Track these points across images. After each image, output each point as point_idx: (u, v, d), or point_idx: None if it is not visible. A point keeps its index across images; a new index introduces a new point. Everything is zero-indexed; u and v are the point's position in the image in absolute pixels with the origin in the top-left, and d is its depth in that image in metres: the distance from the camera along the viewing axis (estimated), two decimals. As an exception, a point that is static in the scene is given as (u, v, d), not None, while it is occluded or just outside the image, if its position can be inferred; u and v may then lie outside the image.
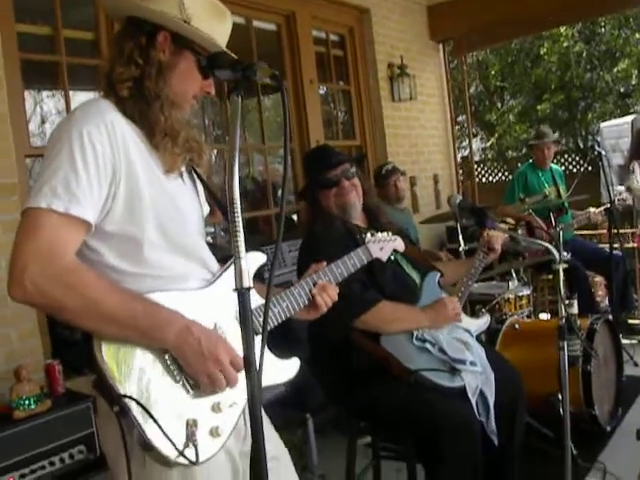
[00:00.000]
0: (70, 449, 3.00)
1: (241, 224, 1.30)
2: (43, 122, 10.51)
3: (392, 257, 2.99)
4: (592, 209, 5.58)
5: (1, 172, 3.45)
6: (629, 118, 10.58)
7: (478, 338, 3.12)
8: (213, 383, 1.63)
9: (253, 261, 1.86)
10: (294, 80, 5.85)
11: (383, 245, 2.38)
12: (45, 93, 10.10)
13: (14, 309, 3.40)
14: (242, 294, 1.27)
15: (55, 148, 1.59)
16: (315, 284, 2.02)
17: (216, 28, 1.78)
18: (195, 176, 1.95)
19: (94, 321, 1.56)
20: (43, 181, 1.55)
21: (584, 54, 14.94)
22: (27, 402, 2.96)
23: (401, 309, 2.86)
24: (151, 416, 1.56)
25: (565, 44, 14.77)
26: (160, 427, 1.56)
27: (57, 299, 1.53)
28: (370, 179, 5.24)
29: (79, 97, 4.95)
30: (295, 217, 6.47)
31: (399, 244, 2.47)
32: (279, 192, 6.39)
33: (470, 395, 2.68)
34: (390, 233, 2.46)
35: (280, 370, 1.90)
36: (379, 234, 2.40)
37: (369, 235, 2.39)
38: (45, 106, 10.66)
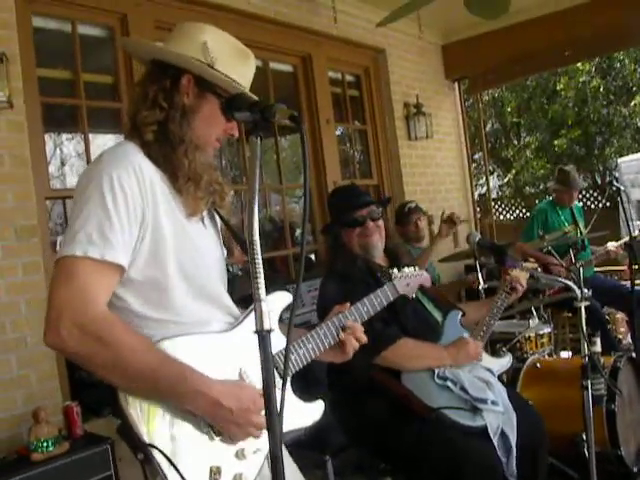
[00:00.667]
0: (88, 492, 2.98)
1: (261, 266, 1.29)
2: (63, 164, 10.64)
3: (413, 295, 2.98)
4: (611, 243, 5.52)
5: (22, 214, 3.48)
6: (648, 153, 10.56)
7: (499, 378, 3.08)
8: (252, 437, 1.67)
9: (278, 301, 1.85)
10: (310, 120, 5.89)
11: (410, 281, 2.36)
12: (65, 136, 10.24)
13: (33, 351, 3.40)
14: (263, 337, 1.26)
15: (85, 193, 1.60)
16: (342, 325, 2.00)
17: (240, 70, 1.80)
18: (217, 217, 1.96)
19: (120, 378, 1.56)
20: (77, 228, 1.56)
21: (601, 89, 14.96)
22: (45, 444, 2.95)
23: (422, 346, 2.85)
24: (175, 467, 1.55)
25: (582, 79, 14.80)
26: (183, 478, 1.55)
27: (89, 350, 1.53)
28: (391, 220, 5.22)
29: (98, 140, 5.02)
30: (313, 257, 6.46)
31: (426, 279, 2.45)
32: (297, 232, 6.39)
33: (492, 435, 2.64)
34: (417, 268, 2.44)
35: (304, 413, 1.90)
36: (406, 269, 2.38)
37: (396, 271, 2.37)
38: (65, 149, 10.80)
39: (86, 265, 1.54)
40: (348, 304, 2.10)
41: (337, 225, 3.15)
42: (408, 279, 2.35)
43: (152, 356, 1.59)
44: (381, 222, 3.10)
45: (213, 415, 1.61)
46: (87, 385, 3.72)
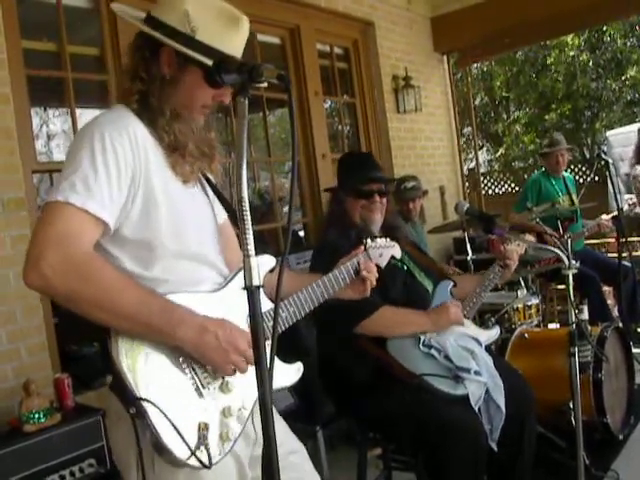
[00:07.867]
0: (80, 463, 3.00)
1: (250, 222, 1.30)
2: (49, 139, 10.61)
3: (405, 267, 3.00)
4: (603, 216, 5.54)
5: (9, 187, 3.46)
6: (636, 126, 10.54)
7: (488, 348, 3.09)
8: (238, 369, 1.67)
9: (263, 264, 1.84)
10: (299, 93, 5.84)
11: (382, 251, 2.36)
12: (52, 112, 10.21)
13: (22, 324, 3.41)
14: (252, 292, 1.26)
15: (77, 149, 1.62)
16: (324, 292, 2.02)
17: (225, 37, 1.75)
18: (207, 184, 1.97)
19: (109, 314, 1.56)
20: (63, 178, 1.58)
21: (590, 63, 14.94)
22: (37, 416, 2.96)
23: (403, 313, 2.86)
24: (168, 418, 1.56)
25: (571, 53, 14.77)
26: (176, 428, 1.57)
27: (73, 287, 1.53)
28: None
29: (86, 116, 4.97)
30: (302, 232, 6.46)
31: (397, 251, 2.44)
32: (286, 208, 6.36)
33: (473, 403, 2.66)
34: (389, 239, 2.43)
35: (284, 374, 1.90)
36: (378, 240, 2.37)
37: (369, 240, 2.37)
38: (52, 125, 10.78)
39: (69, 210, 1.55)
40: (362, 247, 2.19)
41: (343, 191, 3.13)
42: (381, 249, 2.35)
43: (141, 289, 1.62)
44: (385, 201, 3.11)
45: (199, 342, 1.61)
46: (77, 358, 3.74)
